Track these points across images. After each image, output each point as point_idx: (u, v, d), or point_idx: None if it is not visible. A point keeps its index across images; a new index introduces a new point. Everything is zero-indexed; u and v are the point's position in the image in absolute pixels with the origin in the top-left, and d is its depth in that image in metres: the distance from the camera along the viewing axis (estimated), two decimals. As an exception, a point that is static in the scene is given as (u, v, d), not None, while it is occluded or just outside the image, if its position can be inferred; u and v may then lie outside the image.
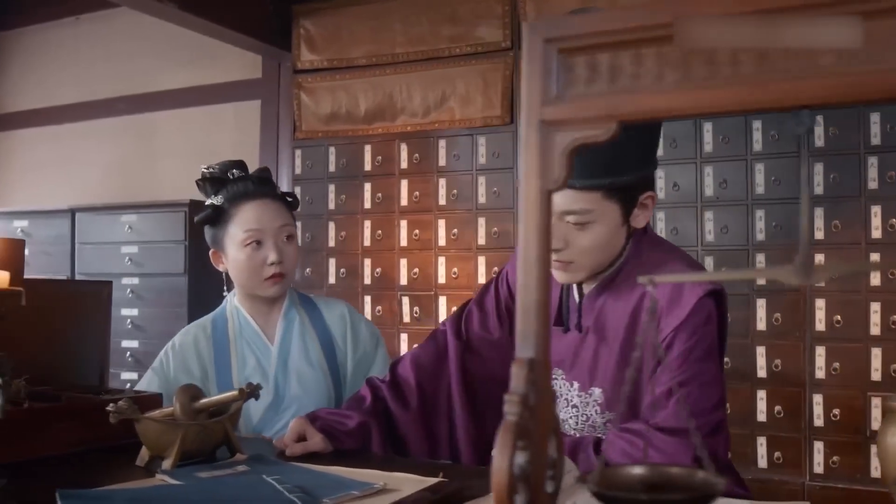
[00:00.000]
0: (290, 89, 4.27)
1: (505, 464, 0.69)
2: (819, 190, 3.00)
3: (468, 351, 1.68)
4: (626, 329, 1.47)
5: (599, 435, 1.49)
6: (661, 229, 3.16)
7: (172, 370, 1.90)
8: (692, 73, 0.74)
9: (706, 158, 3.13)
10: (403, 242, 3.72)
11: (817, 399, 2.93)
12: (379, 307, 3.74)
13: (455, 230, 3.63)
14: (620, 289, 1.50)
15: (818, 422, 2.92)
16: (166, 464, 1.42)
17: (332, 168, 3.90)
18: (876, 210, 2.91)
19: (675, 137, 3.18)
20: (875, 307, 2.86)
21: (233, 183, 1.95)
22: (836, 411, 2.90)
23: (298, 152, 3.97)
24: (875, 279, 2.83)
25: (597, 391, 1.51)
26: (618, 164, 1.39)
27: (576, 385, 1.54)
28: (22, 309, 1.76)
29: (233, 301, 1.99)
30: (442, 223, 3.65)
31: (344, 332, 1.97)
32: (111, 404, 1.42)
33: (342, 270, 3.84)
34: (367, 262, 3.79)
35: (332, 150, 3.90)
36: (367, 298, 3.78)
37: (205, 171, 1.99)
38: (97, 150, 4.86)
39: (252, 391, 1.53)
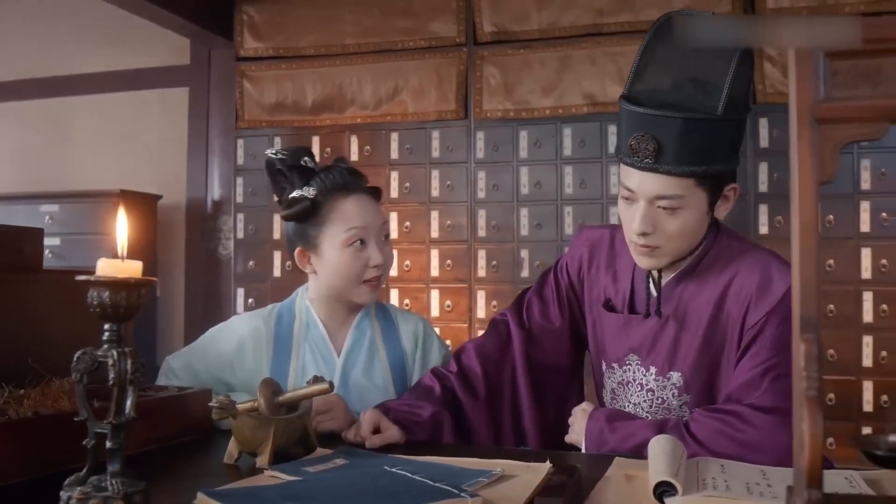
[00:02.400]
0: (222, 76, 4.17)
1: (819, 432, 0.75)
2: (764, 188, 3.22)
3: (530, 340, 1.72)
4: (710, 316, 1.55)
5: (679, 416, 1.57)
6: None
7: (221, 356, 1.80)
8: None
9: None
10: (354, 235, 3.70)
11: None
12: (327, 300, 3.70)
13: (408, 223, 3.64)
14: (704, 277, 1.58)
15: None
16: (261, 460, 1.38)
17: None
18: (816, 207, 3.14)
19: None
20: (867, 296, 3.08)
21: (325, 174, 1.76)
22: (832, 395, 3.10)
23: (240, 142, 3.87)
24: (867, 272, 3.06)
25: (675, 375, 1.58)
26: (711, 154, 1.45)
27: (652, 370, 1.61)
28: (55, 304, 1.67)
29: (304, 298, 1.87)
30: (394, 216, 3.65)
31: (414, 350, 1.84)
32: (214, 400, 1.37)
33: (288, 263, 3.77)
34: (315, 254, 3.73)
35: (276, 140, 3.83)
36: (297, 291, 3.73)
37: (273, 156, 1.78)
38: (4, 137, 4.54)
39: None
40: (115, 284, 1.09)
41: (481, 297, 3.56)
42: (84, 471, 1.10)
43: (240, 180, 3.86)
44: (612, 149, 3.41)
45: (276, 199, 1.87)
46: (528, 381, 1.69)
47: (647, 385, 1.61)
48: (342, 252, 1.74)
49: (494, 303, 3.52)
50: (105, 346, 1.10)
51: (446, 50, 3.61)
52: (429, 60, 3.63)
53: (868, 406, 3.03)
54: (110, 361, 1.08)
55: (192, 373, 1.80)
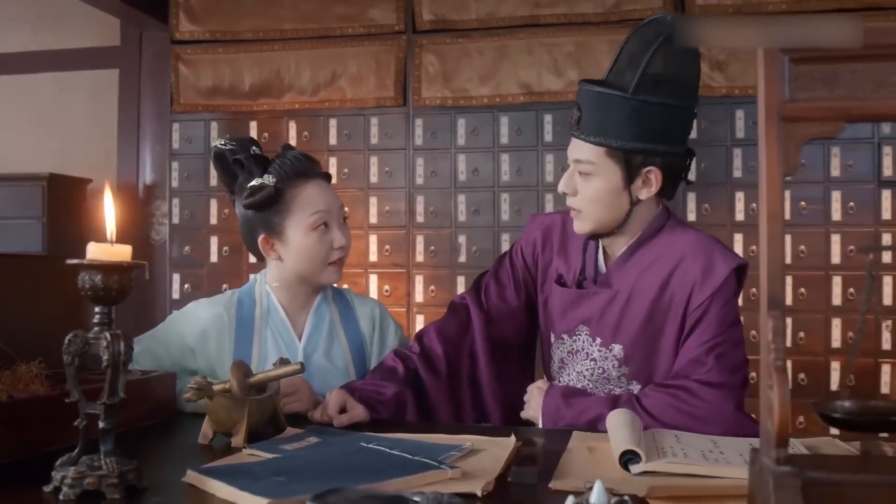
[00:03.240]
0: (155, 59, 4.11)
1: (787, 399, 0.84)
2: (692, 176, 3.35)
3: (489, 321, 1.81)
4: (655, 296, 1.66)
5: (617, 386, 1.69)
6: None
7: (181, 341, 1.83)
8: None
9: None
10: (292, 220, 3.71)
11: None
12: (265, 286, 3.70)
13: (346, 209, 3.65)
14: (654, 258, 1.69)
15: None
16: (236, 440, 1.41)
17: (213, 143, 3.78)
18: (740, 195, 3.32)
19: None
20: (787, 281, 3.25)
21: (281, 161, 1.81)
22: (753, 374, 3.23)
23: (176, 126, 3.82)
24: (787, 257, 3.24)
25: (617, 347, 1.69)
26: (620, 131, 1.59)
27: (598, 340, 1.72)
28: (13, 289, 1.66)
29: (263, 284, 1.91)
30: (333, 201, 3.66)
31: (371, 333, 1.92)
32: (192, 381, 1.40)
33: (225, 248, 3.75)
34: (253, 240, 3.73)
35: (213, 124, 3.80)
36: (253, 277, 3.72)
37: (223, 147, 1.82)
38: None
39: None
40: (107, 268, 1.11)
41: (419, 281, 3.62)
42: (76, 451, 1.12)
43: (175, 164, 3.81)
44: (548, 137, 3.52)
45: (228, 191, 1.89)
46: (489, 359, 1.78)
47: (591, 355, 1.73)
48: (308, 236, 1.79)
49: (432, 287, 3.59)
50: (96, 328, 1.13)
51: (385, 37, 3.64)
52: (368, 47, 3.66)
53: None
54: (104, 343, 1.10)
55: (153, 358, 1.82)
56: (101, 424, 1.11)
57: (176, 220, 3.81)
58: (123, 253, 1.14)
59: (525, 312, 1.85)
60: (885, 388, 3.14)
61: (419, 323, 3.58)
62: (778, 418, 0.84)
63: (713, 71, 3.31)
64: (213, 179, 3.78)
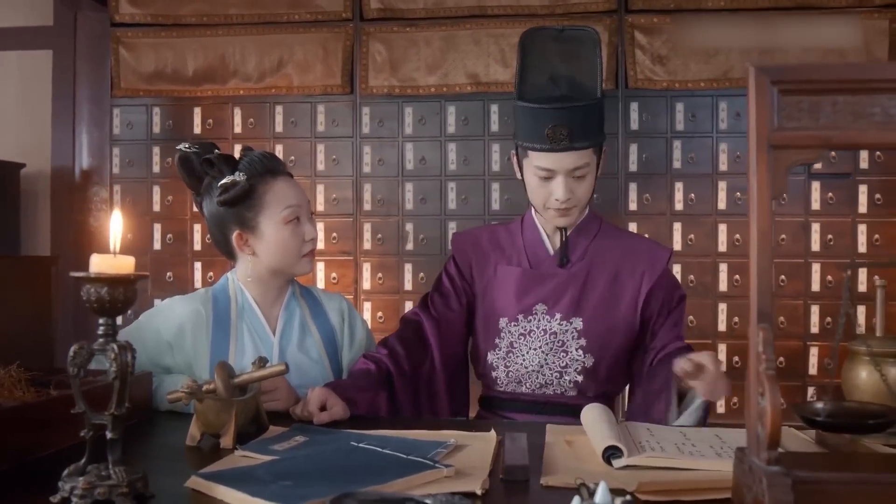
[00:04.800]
0: (91, 41, 4.01)
1: (778, 404, 0.92)
2: (634, 168, 3.48)
3: (439, 326, 1.97)
4: (610, 277, 1.93)
5: (573, 358, 1.89)
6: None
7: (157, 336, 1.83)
8: (874, 118, 1.00)
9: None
10: (238, 208, 3.68)
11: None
12: (211, 273, 3.67)
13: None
14: (604, 243, 1.97)
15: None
16: (225, 441, 1.44)
17: (156, 129, 3.73)
18: (679, 186, 3.45)
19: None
20: (723, 268, 3.40)
21: (249, 159, 1.85)
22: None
23: (116, 111, 3.74)
24: (723, 245, 3.38)
25: (577, 321, 1.91)
26: (599, 128, 1.89)
27: (557, 316, 1.91)
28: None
29: (235, 281, 1.92)
30: (280, 189, 3.65)
31: (341, 326, 1.98)
32: (184, 385, 1.41)
33: (169, 236, 3.71)
34: (198, 227, 3.70)
35: (155, 110, 3.73)
36: (198, 265, 3.70)
37: (188, 150, 1.85)
38: None
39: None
40: (113, 281, 1.12)
41: (367, 269, 3.65)
42: (83, 461, 1.14)
43: (116, 150, 3.74)
44: (494, 127, 3.58)
45: (194, 193, 1.92)
46: (442, 361, 1.94)
47: (550, 330, 1.91)
48: (281, 229, 1.84)
49: (380, 275, 3.62)
50: (101, 339, 1.14)
51: (332, 24, 3.64)
52: (315, 34, 3.65)
53: (721, 367, 3.37)
54: (111, 355, 1.12)
55: None
56: (108, 435, 1.12)
57: (117, 206, 3.75)
58: (127, 265, 1.15)
59: (466, 316, 2.03)
60: (812, 370, 3.33)
61: (367, 311, 3.62)
62: (770, 422, 0.92)
63: (655, 65, 3.42)
64: (157, 166, 3.73)
